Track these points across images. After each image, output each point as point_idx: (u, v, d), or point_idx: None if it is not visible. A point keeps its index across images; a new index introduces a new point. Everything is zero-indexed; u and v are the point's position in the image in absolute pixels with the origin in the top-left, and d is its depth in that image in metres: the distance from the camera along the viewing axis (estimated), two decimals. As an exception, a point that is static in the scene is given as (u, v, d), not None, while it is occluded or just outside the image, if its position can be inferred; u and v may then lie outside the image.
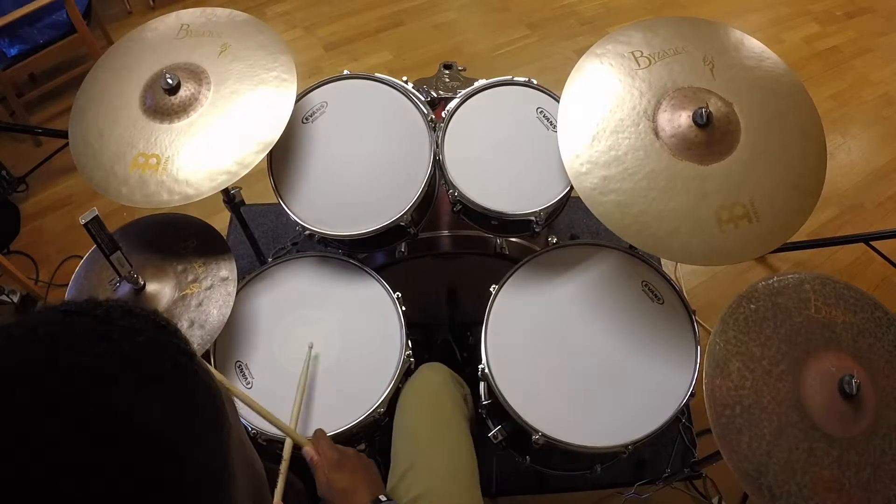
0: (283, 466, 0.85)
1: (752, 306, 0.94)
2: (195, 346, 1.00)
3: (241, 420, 1.01)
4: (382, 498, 0.80)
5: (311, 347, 1.06)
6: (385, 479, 1.00)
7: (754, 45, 1.10)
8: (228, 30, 1.15)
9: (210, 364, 1.07)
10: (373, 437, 1.11)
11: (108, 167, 1.04)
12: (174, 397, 0.36)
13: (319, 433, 0.90)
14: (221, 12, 1.18)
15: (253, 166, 1.02)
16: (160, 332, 0.39)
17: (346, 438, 1.02)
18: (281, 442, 0.95)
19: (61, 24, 2.10)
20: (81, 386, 0.33)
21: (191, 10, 1.18)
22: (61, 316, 0.37)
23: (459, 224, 1.25)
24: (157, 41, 1.16)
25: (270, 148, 1.04)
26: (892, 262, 1.81)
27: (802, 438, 0.85)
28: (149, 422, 0.34)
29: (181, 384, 0.38)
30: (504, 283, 1.12)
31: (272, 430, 0.97)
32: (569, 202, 1.16)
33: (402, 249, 1.24)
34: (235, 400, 0.92)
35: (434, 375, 1.11)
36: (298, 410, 0.97)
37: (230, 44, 1.13)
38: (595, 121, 1.03)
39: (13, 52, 2.03)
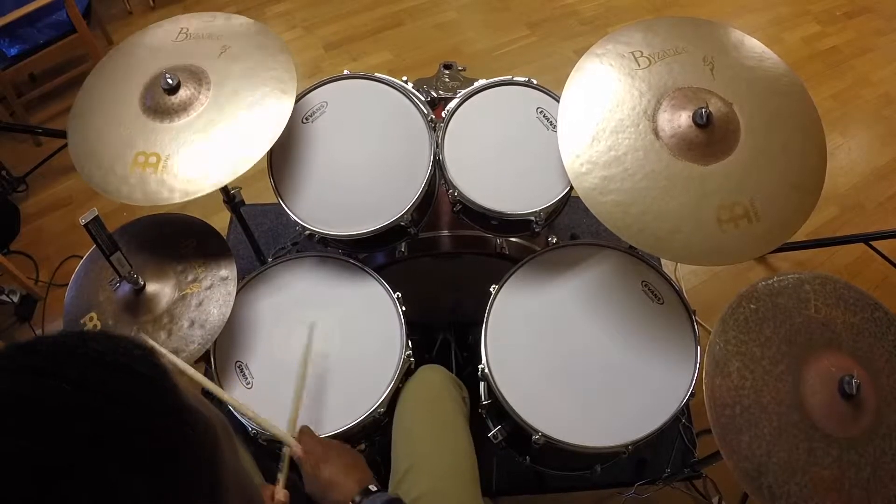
0: (286, 451, 0.88)
1: (752, 306, 0.94)
2: (196, 345, 1.00)
3: (242, 420, 1.01)
4: (373, 487, 0.79)
5: (311, 328, 1.05)
6: (386, 481, 1.00)
7: (754, 45, 1.10)
8: (228, 30, 1.15)
9: (211, 363, 1.07)
10: (373, 437, 1.11)
11: (108, 166, 1.03)
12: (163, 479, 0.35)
13: (304, 429, 0.90)
14: (221, 13, 1.17)
15: (253, 165, 1.02)
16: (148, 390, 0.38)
17: (346, 438, 1.02)
18: (281, 442, 0.95)
19: (61, 24, 2.10)
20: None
21: (191, 13, 1.19)
22: (31, 378, 0.35)
23: (459, 224, 1.25)
24: (157, 44, 1.16)
25: (270, 147, 1.04)
26: (892, 262, 1.81)
27: (802, 438, 0.85)
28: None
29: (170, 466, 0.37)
30: (504, 283, 1.12)
31: (272, 430, 0.97)
32: (569, 202, 1.16)
33: (402, 249, 1.23)
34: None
35: (433, 376, 1.11)
36: (298, 400, 0.96)
37: (230, 44, 1.13)
38: (595, 121, 1.03)
39: (13, 52, 2.03)
